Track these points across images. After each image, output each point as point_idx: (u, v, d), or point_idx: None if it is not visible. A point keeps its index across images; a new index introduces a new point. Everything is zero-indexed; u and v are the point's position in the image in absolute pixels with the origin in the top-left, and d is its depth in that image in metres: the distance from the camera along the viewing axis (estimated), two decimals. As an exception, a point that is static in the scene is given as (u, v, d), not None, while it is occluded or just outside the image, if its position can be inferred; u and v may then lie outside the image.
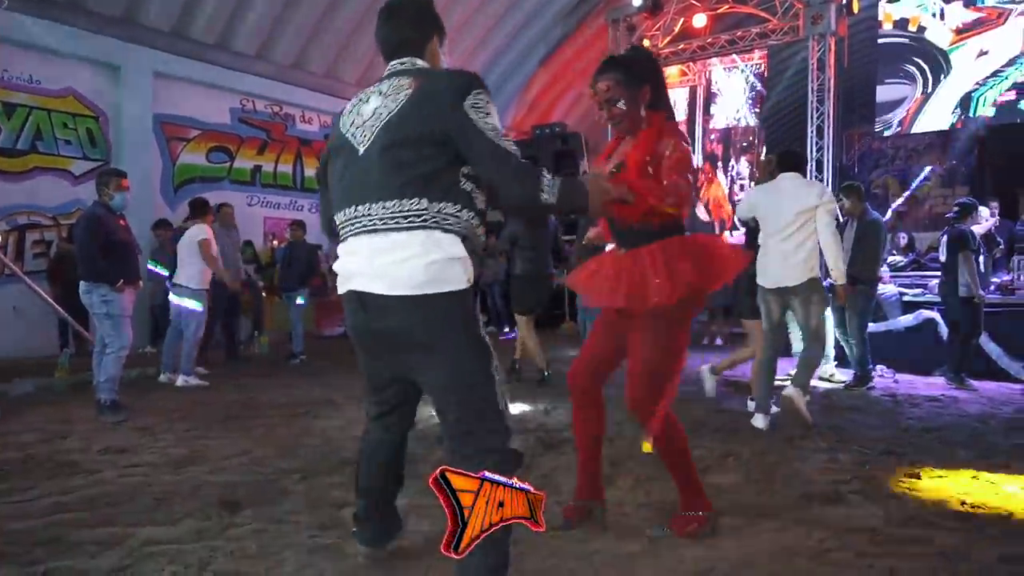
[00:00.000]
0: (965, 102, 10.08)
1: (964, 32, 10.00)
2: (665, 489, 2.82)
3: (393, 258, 1.74)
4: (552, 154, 11.98)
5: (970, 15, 10.02)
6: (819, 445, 3.83)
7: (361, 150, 1.84)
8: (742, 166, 12.04)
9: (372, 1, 10.30)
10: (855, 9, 10.92)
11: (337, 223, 1.93)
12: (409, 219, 1.74)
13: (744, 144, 12.06)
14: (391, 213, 1.76)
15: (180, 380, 5.94)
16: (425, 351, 1.79)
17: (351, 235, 1.86)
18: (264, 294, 9.10)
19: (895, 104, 10.73)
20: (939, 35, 10.22)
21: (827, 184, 10.55)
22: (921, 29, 10.37)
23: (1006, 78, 9.82)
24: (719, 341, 9.45)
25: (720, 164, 12.16)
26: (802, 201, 4.18)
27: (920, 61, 10.39)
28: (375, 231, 1.78)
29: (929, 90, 10.40)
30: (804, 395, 4.29)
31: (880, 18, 10.77)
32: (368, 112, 1.86)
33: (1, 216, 7.85)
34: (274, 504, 2.86)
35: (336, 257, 1.93)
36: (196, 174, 9.70)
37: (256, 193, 10.47)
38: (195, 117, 9.68)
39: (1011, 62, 9.74)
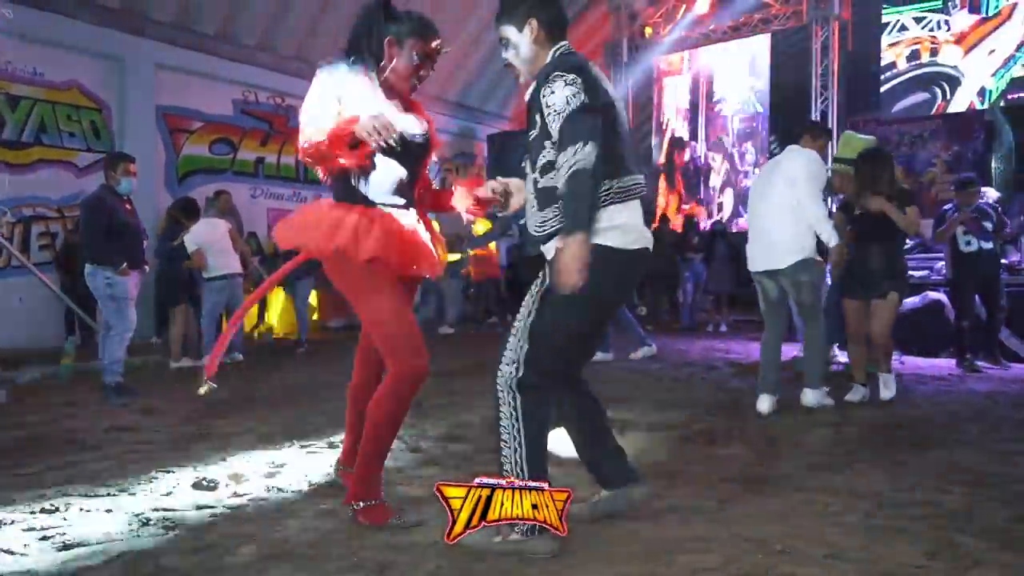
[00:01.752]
0: (980, 94, 9.98)
1: (973, 43, 9.84)
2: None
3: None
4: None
5: (974, 19, 9.88)
6: (823, 420, 3.82)
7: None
8: (747, 153, 11.98)
9: (373, -9, 10.30)
10: (859, -7, 10.87)
11: (628, 182, 2.07)
12: None
13: (748, 130, 12.00)
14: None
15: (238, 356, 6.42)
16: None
17: (636, 197, 2.09)
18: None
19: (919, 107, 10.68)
20: (950, 54, 10.04)
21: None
22: (933, 52, 10.18)
23: (1016, 61, 9.73)
24: (723, 328, 9.44)
25: (725, 151, 12.10)
26: (790, 172, 3.97)
27: (935, 86, 10.28)
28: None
29: (948, 97, 10.32)
30: (821, 387, 4.08)
31: (891, 58, 10.53)
32: (613, 91, 2.13)
33: (8, 208, 7.88)
34: (276, 476, 2.86)
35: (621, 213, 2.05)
36: (199, 166, 9.70)
37: (260, 184, 10.47)
38: (198, 109, 9.68)
39: (1020, 47, 9.65)
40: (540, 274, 2.21)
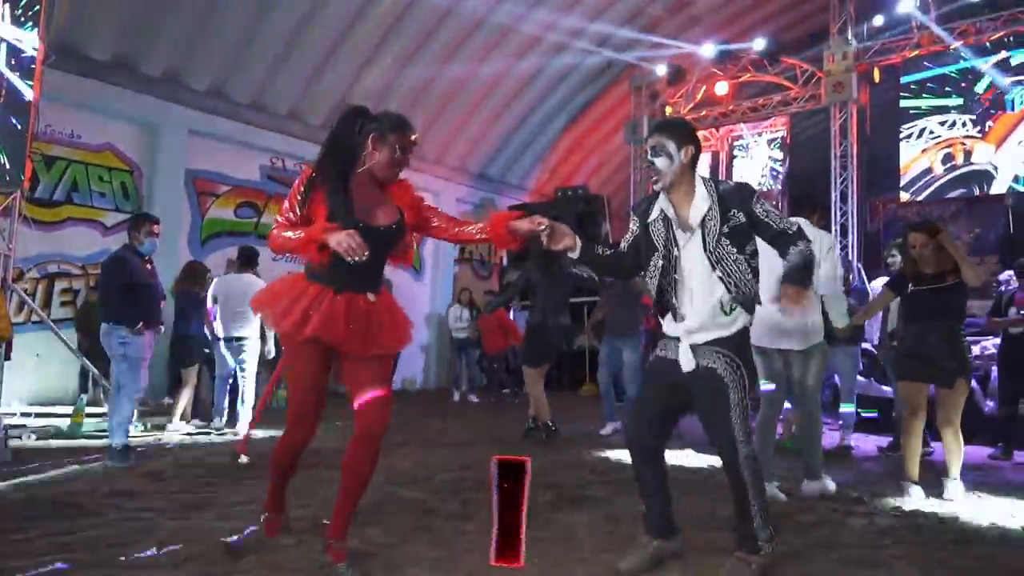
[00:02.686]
0: (1015, 181, 9.97)
1: (1004, 136, 9.90)
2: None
3: None
4: (575, 216, 12.05)
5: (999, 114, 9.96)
6: (854, 509, 3.62)
7: None
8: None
9: (401, 67, 10.67)
10: (876, 78, 11.08)
11: None
12: None
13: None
14: None
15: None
16: None
17: None
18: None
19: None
20: (982, 153, 10.09)
21: (852, 250, 10.46)
22: (967, 154, 10.25)
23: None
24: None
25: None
26: None
27: (973, 184, 10.34)
28: None
29: (987, 191, 10.35)
30: (819, 478, 3.94)
31: (927, 164, 10.62)
32: None
33: (32, 264, 7.99)
34: (279, 551, 2.73)
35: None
36: (224, 228, 9.87)
37: (281, 248, 10.60)
38: (225, 173, 9.93)
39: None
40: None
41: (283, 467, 2.79)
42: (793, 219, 2.78)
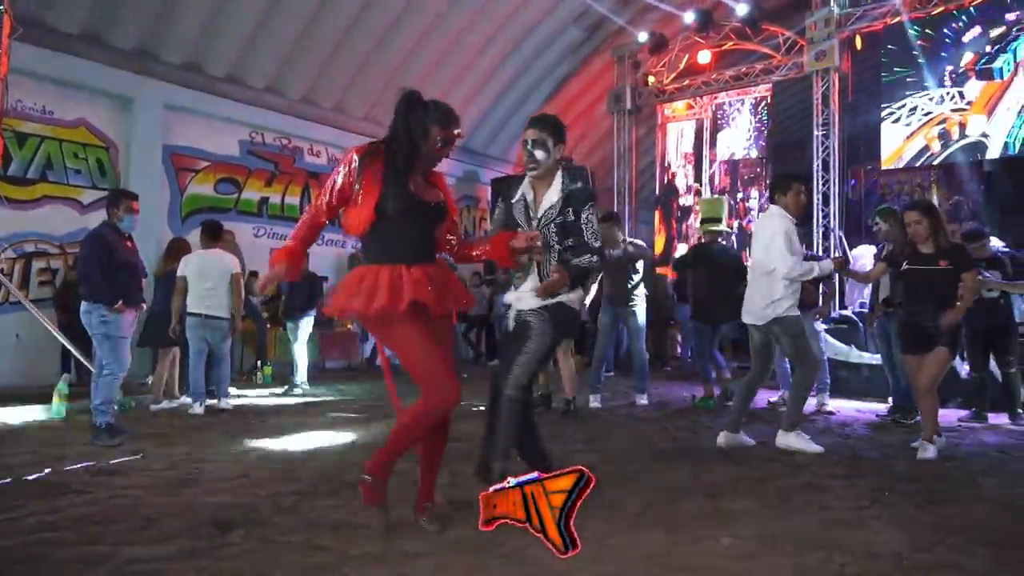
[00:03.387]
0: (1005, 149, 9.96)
1: (994, 104, 9.81)
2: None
3: None
4: (558, 188, 12.00)
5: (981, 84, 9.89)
6: (835, 472, 3.70)
7: None
8: (751, 198, 12.02)
9: (380, 39, 10.48)
10: (858, 46, 11.05)
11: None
12: None
13: (751, 176, 12.06)
14: None
15: (225, 403, 5.92)
16: None
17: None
18: (268, 324, 9.04)
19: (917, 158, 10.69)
20: (977, 124, 9.86)
21: (834, 217, 10.53)
22: (962, 126, 10.06)
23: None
24: (727, 374, 9.29)
25: (728, 195, 12.15)
26: (762, 238, 4.40)
27: (970, 157, 10.30)
28: None
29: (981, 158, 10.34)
30: (794, 431, 4.32)
31: (924, 143, 10.46)
32: None
33: (9, 243, 7.86)
34: (268, 525, 2.75)
35: None
36: (204, 204, 9.73)
37: (263, 224, 10.49)
38: (204, 149, 9.76)
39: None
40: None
41: (421, 434, 2.63)
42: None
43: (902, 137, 10.47)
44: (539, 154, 3.08)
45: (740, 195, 12.11)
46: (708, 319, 6.50)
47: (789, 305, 4.30)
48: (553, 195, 3.09)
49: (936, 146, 10.28)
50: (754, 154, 12.04)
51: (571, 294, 3.06)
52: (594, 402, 6.23)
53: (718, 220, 6.89)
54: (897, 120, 10.51)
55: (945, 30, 10.20)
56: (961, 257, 4.20)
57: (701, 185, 12.39)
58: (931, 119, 10.28)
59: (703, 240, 6.93)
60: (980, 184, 11.30)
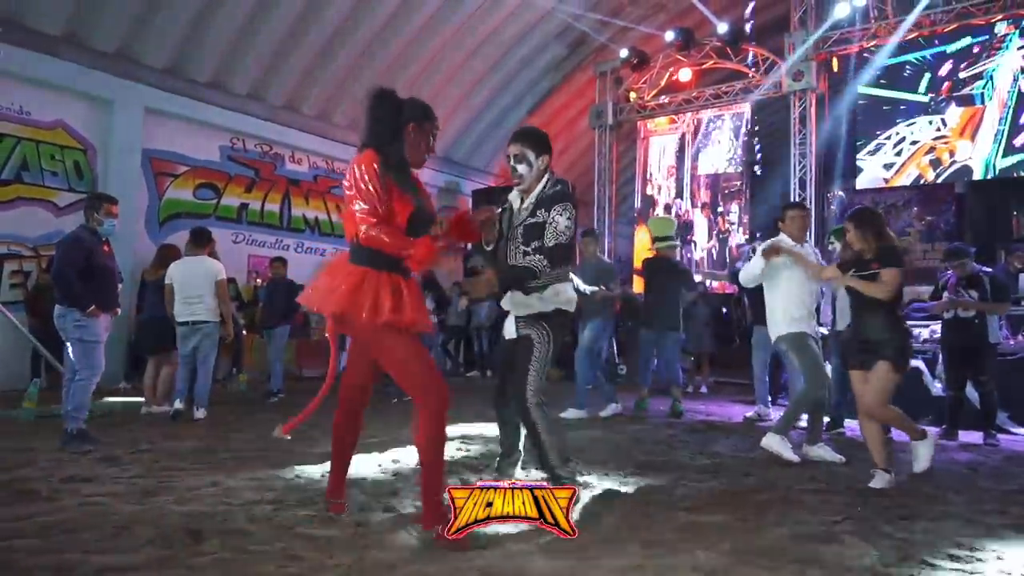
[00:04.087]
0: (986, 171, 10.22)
1: (975, 128, 10.08)
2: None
3: None
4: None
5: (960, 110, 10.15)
6: (809, 487, 3.75)
7: None
8: (732, 212, 12.18)
9: (365, 48, 10.51)
10: (835, 68, 11.30)
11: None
12: None
13: (732, 190, 12.22)
14: None
15: (201, 412, 5.84)
16: None
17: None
18: (245, 332, 8.95)
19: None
20: (964, 149, 10.15)
21: (810, 237, 10.68)
22: (951, 153, 10.39)
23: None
24: (704, 389, 9.38)
25: (709, 210, 12.30)
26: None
27: (956, 181, 10.57)
28: None
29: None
30: (781, 437, 4.46)
31: (917, 173, 10.76)
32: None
33: (-21, 244, 7.73)
34: (241, 535, 2.71)
35: None
36: (182, 209, 9.65)
37: (242, 231, 10.42)
38: (184, 153, 9.69)
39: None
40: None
41: (444, 436, 2.64)
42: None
43: (892, 170, 10.74)
44: (521, 168, 3.21)
45: (720, 209, 12.26)
46: (649, 327, 6.81)
47: (790, 322, 4.63)
48: (528, 201, 3.21)
49: (931, 174, 10.55)
50: (734, 169, 12.22)
51: (565, 296, 3.24)
52: (613, 410, 6.51)
53: (670, 238, 7.08)
54: (876, 151, 10.77)
55: (916, 57, 10.48)
56: (887, 256, 3.92)
57: (683, 199, 12.53)
58: (919, 148, 10.56)
59: (657, 255, 7.15)
60: (952, 204, 11.55)
